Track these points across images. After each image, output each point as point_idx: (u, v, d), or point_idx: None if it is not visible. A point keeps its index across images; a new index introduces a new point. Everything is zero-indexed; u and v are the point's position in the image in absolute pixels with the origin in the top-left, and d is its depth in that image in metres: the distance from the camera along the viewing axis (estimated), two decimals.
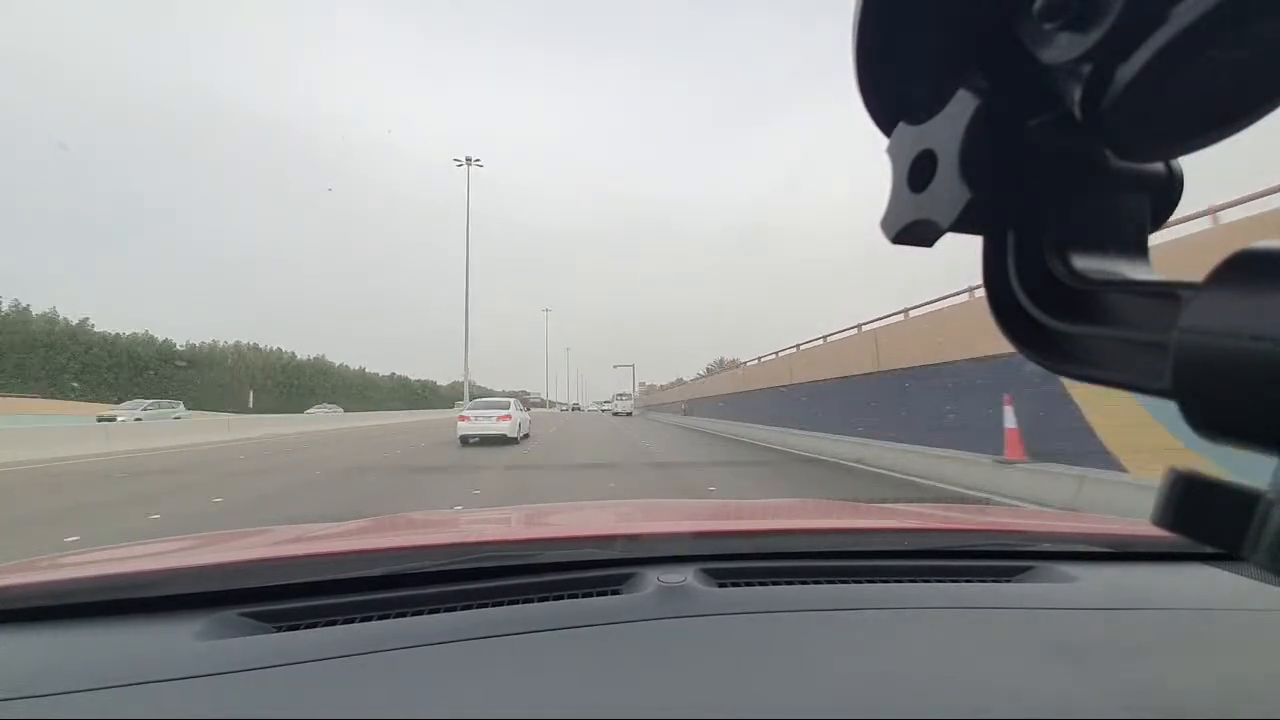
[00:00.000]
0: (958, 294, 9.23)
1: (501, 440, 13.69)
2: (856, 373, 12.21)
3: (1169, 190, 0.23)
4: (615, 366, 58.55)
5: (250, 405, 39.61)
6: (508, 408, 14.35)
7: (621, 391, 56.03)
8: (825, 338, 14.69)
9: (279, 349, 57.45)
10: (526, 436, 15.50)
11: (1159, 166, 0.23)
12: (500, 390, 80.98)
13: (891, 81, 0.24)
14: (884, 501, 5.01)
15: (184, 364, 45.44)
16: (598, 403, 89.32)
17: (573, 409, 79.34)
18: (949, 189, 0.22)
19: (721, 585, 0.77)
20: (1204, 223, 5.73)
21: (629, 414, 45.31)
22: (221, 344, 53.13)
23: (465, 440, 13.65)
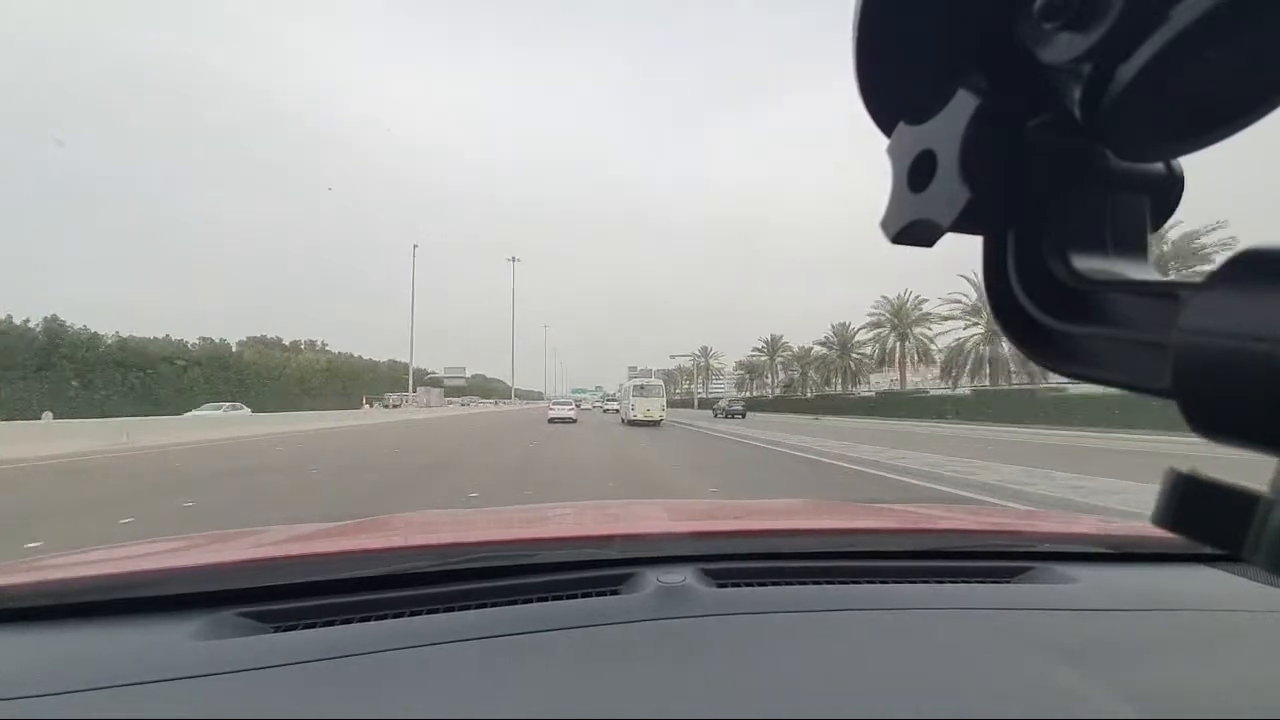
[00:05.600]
0: None
1: (570, 420, 25.90)
2: None
3: (1169, 190, 0.23)
4: None
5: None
6: (571, 404, 29.06)
7: (641, 380, 28.71)
8: None
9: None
10: (577, 420, 27.15)
11: (1159, 166, 0.23)
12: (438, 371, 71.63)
13: (891, 81, 0.24)
14: (883, 502, 4.99)
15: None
16: (578, 393, 72.51)
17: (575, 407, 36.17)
18: (949, 189, 0.22)
19: (720, 585, 0.77)
20: None
21: (657, 422, 25.24)
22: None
23: (551, 420, 25.86)
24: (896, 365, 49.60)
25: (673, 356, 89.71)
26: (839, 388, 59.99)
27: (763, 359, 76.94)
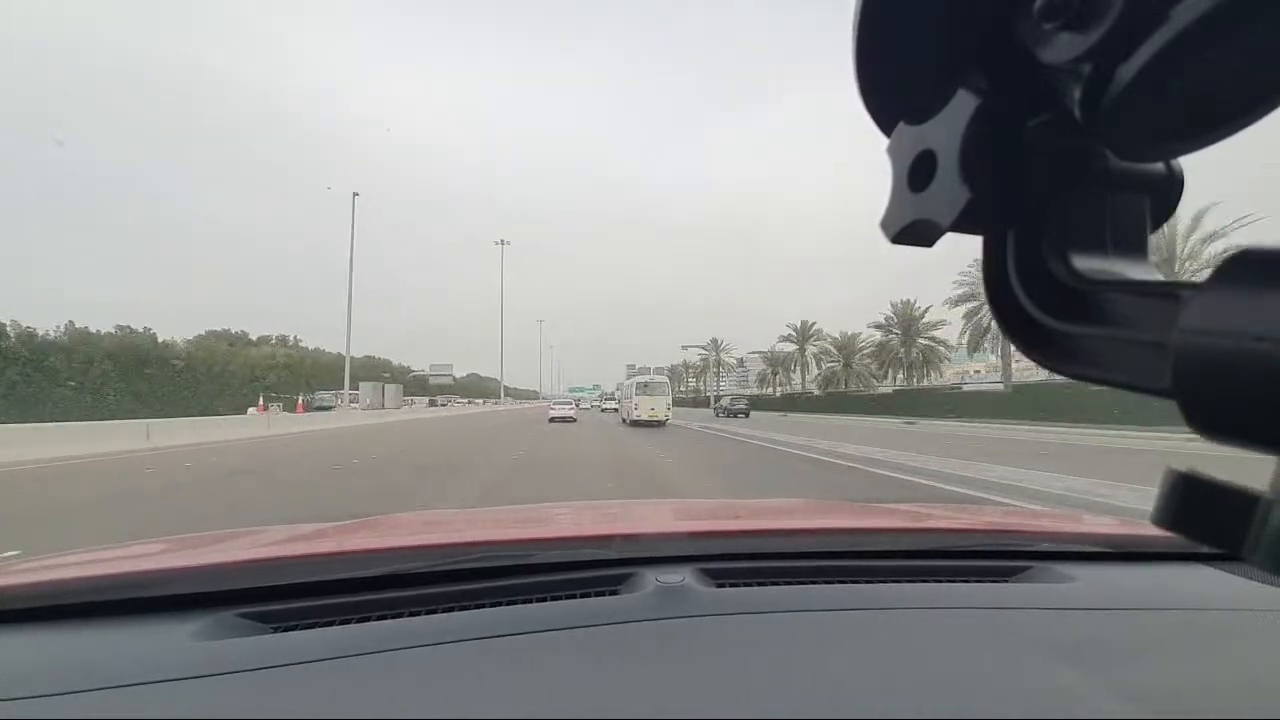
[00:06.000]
0: None
1: (570, 420, 25.98)
2: None
3: (1169, 190, 0.23)
4: None
5: None
6: (571, 404, 28.99)
7: (644, 377, 26.26)
8: None
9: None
10: (576, 419, 27.17)
11: (1159, 166, 0.23)
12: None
13: (891, 81, 0.24)
14: (882, 501, 4.99)
15: None
16: (575, 392, 69.59)
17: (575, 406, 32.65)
18: (949, 189, 0.22)
19: (720, 585, 0.77)
20: None
21: (662, 422, 22.82)
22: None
23: (552, 420, 25.75)
24: (999, 349, 35.41)
25: (685, 347, 75.68)
26: (898, 380, 46.36)
27: (791, 350, 61.84)
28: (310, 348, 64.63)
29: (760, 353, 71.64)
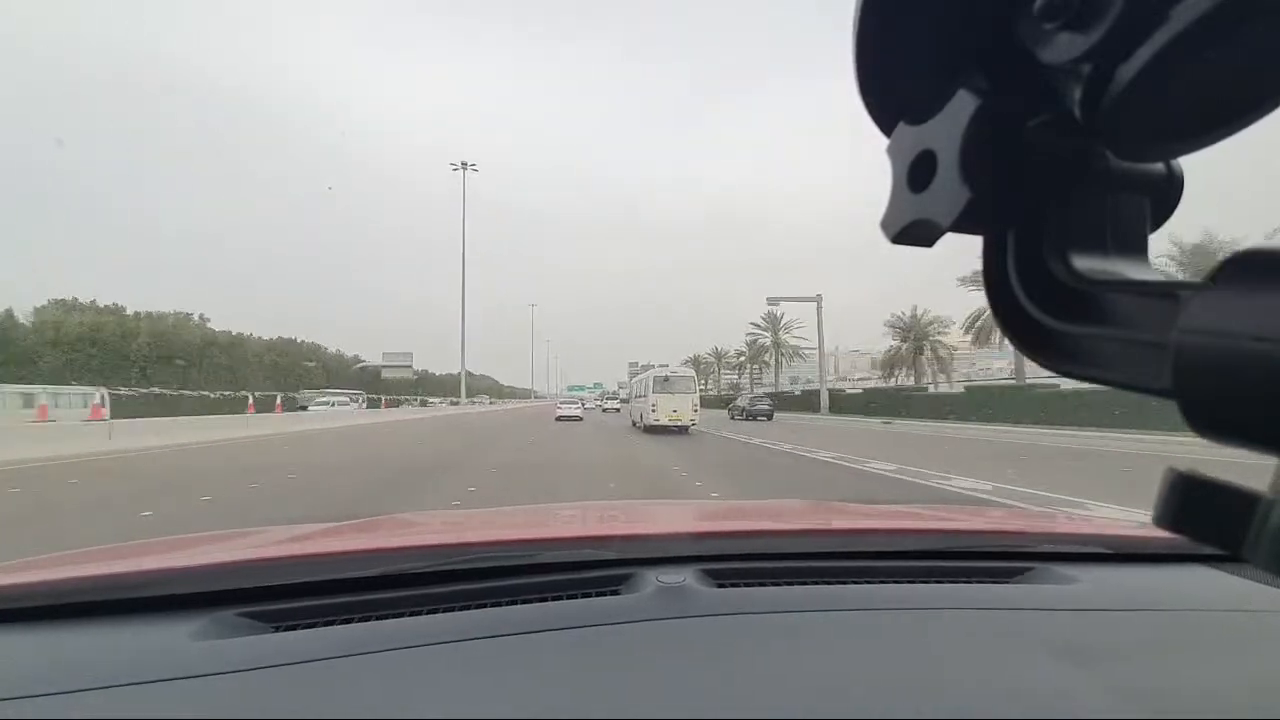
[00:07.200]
0: None
1: (577, 419, 26.19)
2: None
3: (1169, 190, 0.23)
4: None
5: None
6: (577, 403, 29.45)
7: (666, 371, 19.20)
8: None
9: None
10: (582, 418, 27.43)
11: (1159, 166, 0.23)
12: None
13: (891, 81, 0.24)
14: (883, 502, 4.99)
15: None
16: (575, 390, 64.04)
17: (580, 405, 30.05)
18: (949, 189, 0.22)
19: (720, 586, 0.77)
20: None
21: (686, 427, 17.91)
22: None
23: (559, 419, 26.03)
24: None
25: (767, 312, 52.17)
26: None
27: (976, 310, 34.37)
28: (234, 332, 52.98)
29: (835, 352, 50.91)
